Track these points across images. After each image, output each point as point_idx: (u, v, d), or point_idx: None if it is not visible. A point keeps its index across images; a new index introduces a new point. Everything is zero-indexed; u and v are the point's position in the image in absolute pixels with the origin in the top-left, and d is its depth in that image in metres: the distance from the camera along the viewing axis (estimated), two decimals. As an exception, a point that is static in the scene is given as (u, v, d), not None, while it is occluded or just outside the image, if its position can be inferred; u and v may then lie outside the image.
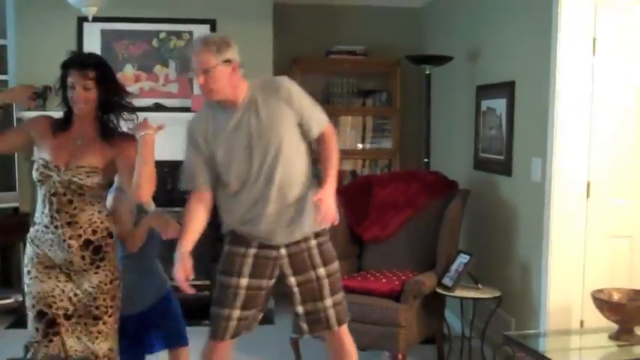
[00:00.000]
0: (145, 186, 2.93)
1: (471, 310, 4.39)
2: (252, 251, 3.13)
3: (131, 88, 5.48)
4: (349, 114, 6.18)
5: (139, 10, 5.42)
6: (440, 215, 4.50)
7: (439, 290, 4.22)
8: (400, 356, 4.02)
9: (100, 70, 2.98)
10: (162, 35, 5.54)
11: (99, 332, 3.02)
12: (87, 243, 2.98)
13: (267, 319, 5.31)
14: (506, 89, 4.44)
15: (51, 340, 2.97)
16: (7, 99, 3.16)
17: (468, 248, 4.57)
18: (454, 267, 4.26)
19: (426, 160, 5.29)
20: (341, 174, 6.14)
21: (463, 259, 4.25)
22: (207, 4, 5.50)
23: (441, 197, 4.62)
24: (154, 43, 5.54)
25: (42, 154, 3.00)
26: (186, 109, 5.37)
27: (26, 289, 3.03)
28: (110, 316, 3.04)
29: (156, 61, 5.56)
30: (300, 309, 3.20)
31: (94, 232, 2.99)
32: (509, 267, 4.41)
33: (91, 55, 3.21)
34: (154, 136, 2.96)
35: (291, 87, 3.08)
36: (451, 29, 5.55)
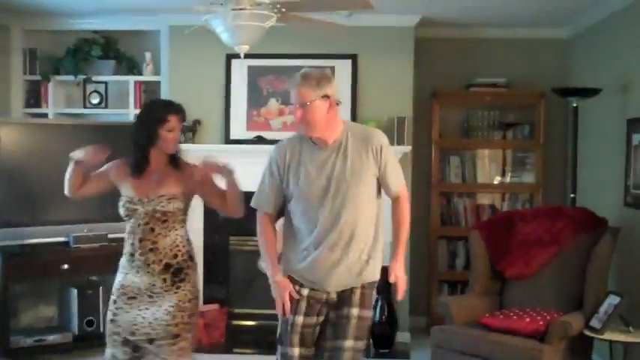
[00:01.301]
0: (237, 205, 3.32)
1: (622, 355, 4.16)
2: (305, 291, 3.17)
3: (274, 121, 5.67)
4: (489, 147, 6.08)
5: (284, 47, 5.58)
6: (587, 254, 4.32)
7: (587, 332, 4.04)
8: (544, 399, 3.87)
9: (184, 117, 3.38)
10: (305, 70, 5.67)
11: (180, 349, 3.27)
12: (167, 266, 3.28)
13: (403, 354, 5.28)
14: (661, 122, 4.23)
15: None
16: (85, 161, 3.38)
17: (617, 289, 4.35)
18: (603, 308, 4.06)
19: (572, 195, 5.11)
20: (479, 208, 6.07)
21: (613, 300, 4.05)
22: (350, 40, 5.59)
23: (589, 235, 4.44)
24: (298, 78, 5.67)
25: (126, 192, 3.34)
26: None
27: (111, 317, 3.33)
28: (189, 332, 3.30)
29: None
30: (328, 344, 3.18)
31: (175, 256, 3.30)
32: (664, 310, 4.16)
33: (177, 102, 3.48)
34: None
35: (383, 141, 3.14)
36: (599, 60, 5.36)
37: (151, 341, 3.26)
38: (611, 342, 4.11)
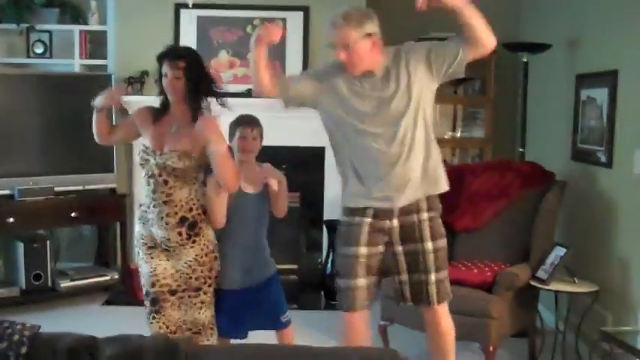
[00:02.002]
0: (232, 182, 3.20)
1: (566, 305, 4.27)
2: (367, 220, 3.23)
3: (225, 74, 5.58)
4: (440, 102, 6.08)
5: (234, -4, 5.48)
6: (535, 207, 4.39)
7: (533, 283, 4.12)
8: (491, 348, 3.95)
9: (189, 60, 3.21)
10: (256, 22, 5.59)
11: (202, 302, 3.26)
12: (183, 220, 3.21)
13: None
14: (609, 78, 4.28)
15: (154, 318, 3.23)
16: (106, 104, 3.36)
17: (564, 241, 4.44)
18: (549, 260, 4.14)
19: (521, 150, 5.18)
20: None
21: (559, 251, 4.14)
22: (301, -9, 5.53)
23: (537, 188, 4.50)
24: (248, 30, 5.59)
25: (144, 140, 3.31)
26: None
27: (140, 269, 3.33)
28: (210, 286, 3.27)
29: (249, 48, 5.58)
30: (404, 277, 3.29)
31: (190, 209, 3.22)
32: (608, 261, 4.27)
33: (184, 47, 3.44)
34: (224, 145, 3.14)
35: (406, 45, 3.23)
36: (550, 16, 5.39)
37: (173, 292, 3.24)
38: (556, 292, 4.20)
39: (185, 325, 3.25)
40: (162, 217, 3.20)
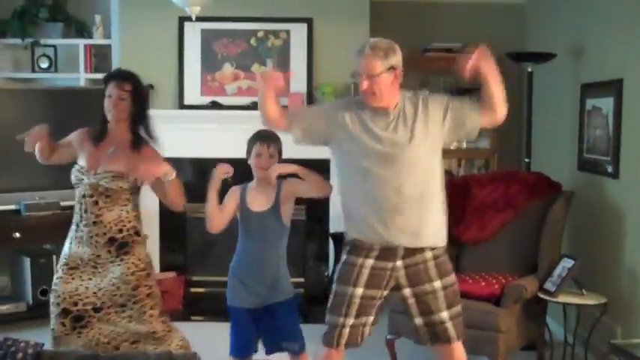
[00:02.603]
0: (178, 202, 3.37)
1: (575, 317, 4.24)
2: (370, 262, 3.17)
3: (229, 86, 5.58)
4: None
5: (238, 10, 5.49)
6: (542, 218, 4.37)
7: (541, 295, 4.10)
8: (499, 361, 3.92)
9: (134, 83, 3.36)
10: (260, 34, 5.59)
11: (129, 317, 3.33)
12: (111, 240, 3.33)
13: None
14: (614, 87, 4.27)
15: (80, 333, 3.30)
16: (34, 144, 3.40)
17: (571, 252, 4.41)
18: (557, 271, 4.12)
19: (527, 160, 5.15)
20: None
21: (567, 263, 4.11)
22: (304, 3, 5.52)
23: (544, 199, 4.48)
24: (252, 42, 5.59)
25: (80, 160, 3.40)
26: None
27: (53, 287, 3.39)
28: (135, 302, 3.33)
29: (254, 60, 5.61)
30: (418, 320, 3.23)
31: (120, 230, 3.33)
32: (616, 273, 4.24)
33: (130, 71, 3.48)
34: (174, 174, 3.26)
35: (424, 93, 3.19)
36: (554, 25, 5.38)
37: (96, 310, 3.32)
38: (564, 305, 4.17)
39: (119, 336, 3.32)
40: (91, 236, 3.31)
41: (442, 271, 3.20)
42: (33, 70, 5.83)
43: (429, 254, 3.17)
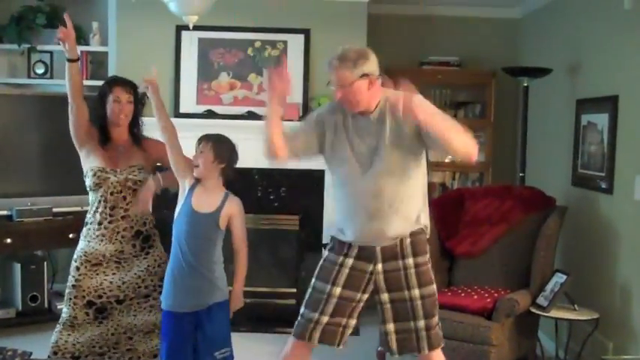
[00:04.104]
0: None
1: (567, 332, 4.24)
2: (350, 261, 3.15)
3: (226, 96, 5.58)
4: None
5: (235, 20, 5.49)
6: (535, 232, 4.37)
7: (533, 310, 4.09)
8: (491, 376, 3.91)
9: (135, 90, 3.56)
10: (257, 44, 5.59)
11: (151, 306, 3.52)
12: (137, 233, 3.49)
13: (353, 331, 5.28)
14: (609, 103, 4.28)
15: (101, 322, 3.46)
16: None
17: (564, 268, 4.41)
18: (549, 286, 4.12)
19: (521, 174, 5.16)
20: (430, 186, 6.07)
21: (559, 278, 4.11)
22: (302, 15, 5.52)
23: (537, 214, 4.49)
24: (249, 52, 5.59)
25: (95, 162, 3.47)
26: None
27: (74, 283, 3.45)
28: (159, 293, 3.45)
29: (250, 70, 5.60)
30: (390, 327, 3.17)
31: (144, 223, 3.52)
32: (609, 288, 4.24)
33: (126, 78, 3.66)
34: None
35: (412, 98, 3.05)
36: (550, 41, 5.40)
37: (120, 302, 3.48)
38: (557, 320, 4.17)
39: (135, 327, 3.51)
40: (118, 232, 3.44)
41: (422, 280, 3.13)
42: (29, 76, 5.81)
43: (410, 261, 3.12)
